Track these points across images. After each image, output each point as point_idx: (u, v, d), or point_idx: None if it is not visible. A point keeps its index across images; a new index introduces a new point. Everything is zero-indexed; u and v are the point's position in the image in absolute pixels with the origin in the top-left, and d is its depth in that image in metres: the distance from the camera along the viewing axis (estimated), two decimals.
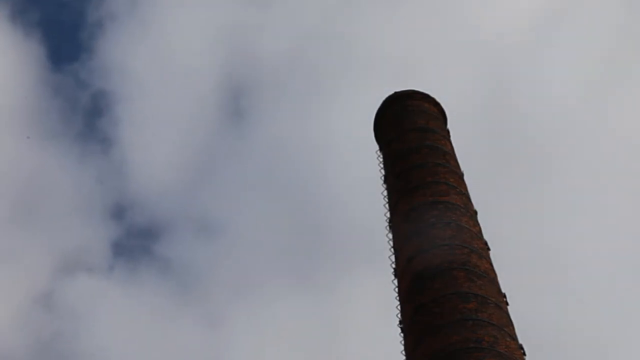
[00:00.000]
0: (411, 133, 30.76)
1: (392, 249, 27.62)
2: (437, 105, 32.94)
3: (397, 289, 26.23)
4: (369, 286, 45.99)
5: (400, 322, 25.04)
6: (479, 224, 27.36)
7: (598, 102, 57.89)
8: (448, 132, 32.27)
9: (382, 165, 31.35)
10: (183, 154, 57.54)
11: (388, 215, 29.12)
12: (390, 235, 28.14)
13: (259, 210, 55.28)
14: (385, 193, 30.13)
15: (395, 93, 33.09)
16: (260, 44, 60.60)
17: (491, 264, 25.67)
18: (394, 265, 27.12)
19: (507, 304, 24.47)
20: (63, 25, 64.74)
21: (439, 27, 59.10)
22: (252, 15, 61.38)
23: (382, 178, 30.77)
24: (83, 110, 61.49)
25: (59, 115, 60.33)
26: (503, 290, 24.92)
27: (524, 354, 22.70)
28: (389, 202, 29.42)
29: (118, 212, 58.61)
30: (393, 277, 26.85)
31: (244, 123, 60.03)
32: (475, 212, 28.03)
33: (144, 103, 59.15)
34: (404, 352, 24.08)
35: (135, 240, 59.25)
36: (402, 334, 24.66)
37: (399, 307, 25.49)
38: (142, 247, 59.71)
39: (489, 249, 26.49)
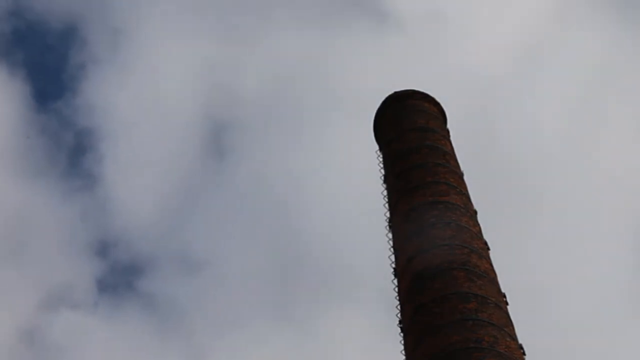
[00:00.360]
0: (411, 133, 30.75)
1: (392, 249, 27.61)
2: (437, 105, 32.93)
3: (397, 289, 26.22)
4: (353, 321, 46.88)
5: (400, 322, 25.04)
6: (479, 224, 27.36)
7: (581, 135, 58.52)
8: (448, 132, 32.27)
9: (382, 165, 31.36)
10: (166, 191, 58.71)
11: (388, 215, 29.11)
12: (390, 235, 28.14)
13: (242, 246, 56.49)
14: (385, 193, 30.13)
15: (395, 93, 33.09)
16: (241, 81, 61.95)
17: (491, 264, 25.66)
18: (394, 265, 27.12)
19: (507, 304, 24.47)
20: (47, 66, 66.10)
21: (423, 60, 59.58)
22: (232, 52, 62.52)
23: (382, 178, 30.77)
24: (67, 148, 62.93)
25: (43, 152, 61.47)
26: (503, 290, 24.92)
27: (524, 354, 22.70)
28: (389, 202, 29.41)
29: (102, 248, 59.72)
30: (393, 277, 26.85)
31: (225, 159, 61.26)
32: (475, 212, 28.02)
33: (127, 140, 60.40)
34: (404, 352, 24.07)
35: (119, 276, 60.21)
36: (402, 334, 24.65)
37: (399, 307, 25.48)
38: (126, 283, 60.58)
39: (489, 249, 26.49)
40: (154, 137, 59.99)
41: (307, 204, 55.25)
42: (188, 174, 59.78)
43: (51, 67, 66.06)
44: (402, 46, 61.47)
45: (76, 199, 60.48)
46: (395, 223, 27.91)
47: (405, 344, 24.10)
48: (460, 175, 29.38)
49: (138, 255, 57.85)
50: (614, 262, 51.09)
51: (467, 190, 28.80)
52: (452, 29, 61.75)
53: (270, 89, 60.78)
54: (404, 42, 61.62)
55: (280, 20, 62.86)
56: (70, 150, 63.12)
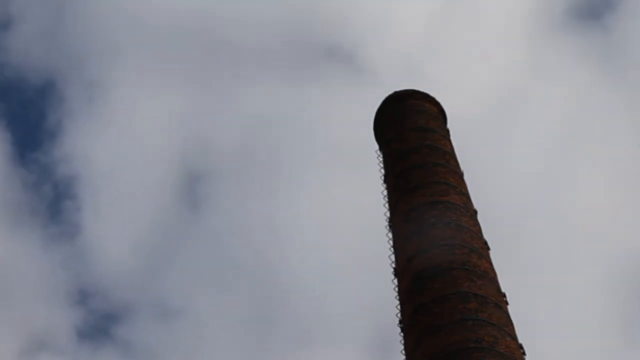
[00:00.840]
0: (411, 133, 30.75)
1: (392, 249, 27.61)
2: (437, 105, 32.93)
3: (397, 289, 26.22)
4: None
5: (400, 322, 25.03)
6: (479, 224, 27.35)
7: (553, 178, 59.09)
8: (448, 131, 32.27)
9: (382, 165, 31.36)
10: (143, 239, 60.10)
11: (388, 215, 29.11)
12: (390, 235, 28.14)
13: (218, 294, 57.66)
14: (385, 193, 30.13)
15: (395, 92, 33.09)
16: (216, 132, 63.32)
17: (491, 264, 25.66)
18: (394, 265, 27.12)
19: (507, 304, 24.46)
20: (27, 118, 67.56)
21: None
22: (207, 103, 63.72)
23: (382, 178, 30.77)
24: (47, 197, 64.38)
25: (23, 202, 62.67)
26: (503, 290, 24.92)
27: (524, 353, 22.69)
28: (389, 202, 29.41)
29: (81, 296, 60.83)
30: (393, 277, 26.85)
31: (201, 207, 62.64)
32: (475, 212, 28.02)
33: (106, 190, 62.09)
34: (404, 352, 24.07)
35: (98, 324, 61.12)
36: (402, 334, 24.65)
37: (399, 307, 25.48)
38: (104, 331, 61.30)
39: (489, 248, 26.48)
40: (131, 187, 61.72)
41: (284, 251, 56.54)
42: (165, 222, 61.41)
43: (31, 120, 67.84)
44: (378, 96, 62.35)
45: (55, 247, 62.03)
46: (395, 223, 27.91)
47: (405, 344, 24.10)
48: (460, 175, 29.38)
49: (116, 303, 59.29)
50: (585, 307, 51.81)
51: (467, 190, 28.80)
52: (427, 80, 62.32)
53: (245, 139, 62.26)
54: (379, 92, 62.51)
55: (256, 74, 64.24)
56: (49, 200, 64.74)
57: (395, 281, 26.60)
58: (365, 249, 50.88)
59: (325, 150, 58.05)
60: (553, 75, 63.23)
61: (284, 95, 62.50)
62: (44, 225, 62.95)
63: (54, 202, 64.51)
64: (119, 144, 62.43)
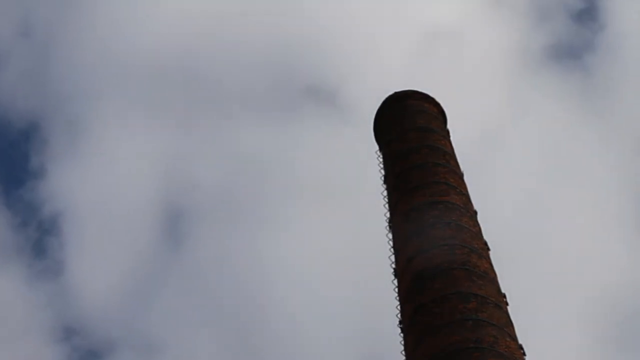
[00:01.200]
0: (411, 133, 30.75)
1: (392, 249, 27.61)
2: (437, 105, 32.94)
3: (397, 289, 26.21)
4: None
5: (400, 322, 25.03)
6: (479, 224, 27.35)
7: (535, 215, 59.46)
8: (448, 132, 32.27)
9: (382, 165, 31.36)
10: (127, 276, 60.93)
11: (388, 215, 29.12)
12: (390, 235, 28.14)
13: (202, 330, 58.17)
14: (385, 193, 30.13)
15: (395, 93, 33.11)
16: (199, 170, 64.32)
17: (491, 264, 25.65)
18: (394, 265, 27.12)
19: (507, 304, 24.45)
20: (10, 158, 68.56)
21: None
22: (189, 142, 64.80)
23: (382, 178, 30.77)
24: (31, 235, 65.56)
25: (7, 240, 63.28)
26: (503, 291, 24.91)
27: (524, 354, 22.69)
28: (389, 202, 29.41)
29: (65, 334, 61.47)
30: (393, 277, 26.84)
31: (184, 244, 63.60)
32: (475, 212, 28.01)
33: (89, 227, 63.22)
34: (404, 352, 24.07)
35: None
36: (402, 334, 24.65)
37: (399, 307, 25.48)
38: None
39: (489, 249, 26.47)
40: (114, 225, 62.75)
41: (268, 288, 56.94)
42: (148, 259, 62.38)
43: (15, 160, 68.78)
44: (360, 134, 63.07)
45: (40, 284, 62.87)
46: (395, 223, 27.90)
47: (405, 344, 24.09)
48: (460, 175, 29.38)
49: (99, 340, 59.88)
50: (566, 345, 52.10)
51: (467, 190, 28.80)
52: None
53: (228, 178, 63.19)
54: (361, 130, 63.27)
55: (238, 113, 65.20)
56: (34, 238, 65.50)
57: (395, 281, 26.60)
58: (346, 287, 51.46)
59: (308, 188, 58.77)
60: (532, 115, 63.74)
61: (266, 134, 63.46)
62: (29, 263, 64.01)
63: (38, 241, 65.68)
64: (103, 183, 63.94)
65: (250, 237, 58.71)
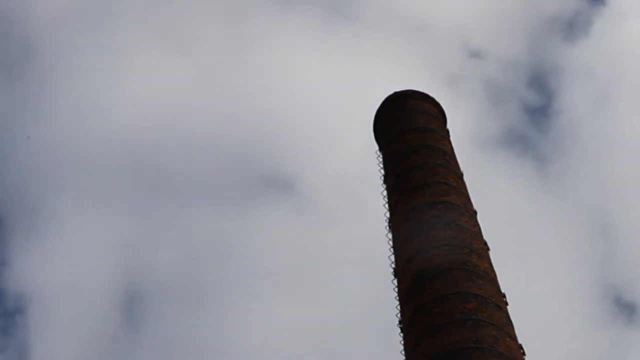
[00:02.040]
0: (411, 133, 30.76)
1: (392, 249, 27.62)
2: (437, 105, 32.94)
3: (397, 289, 26.22)
4: None
5: (400, 322, 25.03)
6: (479, 224, 27.35)
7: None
8: (448, 132, 32.28)
9: (382, 165, 31.37)
10: (87, 358, 61.34)
11: (388, 215, 29.12)
12: (390, 235, 28.15)
13: None
14: (385, 193, 30.13)
15: (395, 93, 33.12)
16: (156, 255, 65.38)
17: (491, 264, 25.65)
18: (394, 265, 27.12)
19: (507, 304, 24.46)
20: None
21: (334, 235, 61.59)
22: (146, 229, 66.19)
23: (382, 178, 30.78)
24: None
25: None
26: (503, 290, 24.92)
27: (524, 354, 22.69)
28: (389, 202, 29.41)
29: None
30: (393, 277, 26.85)
31: (140, 329, 64.15)
32: (475, 212, 28.02)
33: (49, 317, 64.45)
34: (403, 352, 24.07)
35: None
36: (402, 334, 24.65)
37: (399, 307, 25.48)
38: None
39: (489, 249, 26.48)
40: (75, 309, 63.73)
41: None
42: (105, 342, 63.09)
43: None
44: (317, 222, 63.69)
45: None
46: (395, 223, 27.91)
47: (405, 344, 24.09)
48: (460, 175, 29.39)
49: None
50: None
51: (467, 190, 28.80)
52: (366, 205, 63.32)
53: (185, 264, 64.10)
54: (319, 216, 63.76)
55: (196, 201, 66.28)
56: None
57: (395, 281, 26.60)
58: None
59: (264, 275, 59.55)
60: (488, 199, 64.01)
61: (225, 220, 64.37)
62: None
63: (3, 327, 66.61)
64: (63, 270, 65.13)
65: (204, 321, 59.80)
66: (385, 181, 30.52)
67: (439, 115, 32.64)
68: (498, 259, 26.49)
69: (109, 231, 64.97)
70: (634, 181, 62.48)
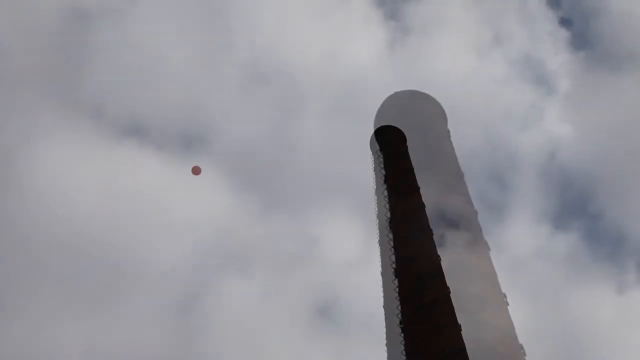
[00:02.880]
0: (411, 133, 30.78)
1: (392, 249, 27.63)
2: (437, 105, 32.98)
3: (397, 289, 26.23)
4: None
5: (400, 322, 25.05)
6: (479, 224, 27.39)
7: None
8: (448, 132, 32.31)
9: (382, 165, 31.37)
10: None
11: (388, 215, 29.13)
12: (391, 236, 28.16)
13: None
14: (386, 193, 30.15)
15: (396, 93, 33.15)
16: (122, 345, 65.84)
17: (491, 264, 25.68)
18: (394, 266, 27.13)
19: (507, 304, 24.48)
20: None
21: None
22: (112, 322, 66.85)
23: (382, 178, 30.79)
24: None
25: None
26: (503, 291, 24.94)
27: (524, 353, 22.72)
28: (389, 202, 29.44)
29: None
30: (393, 277, 26.86)
31: None
32: (475, 212, 28.04)
33: None
34: (404, 352, 24.09)
35: None
36: (402, 334, 24.67)
37: (399, 307, 25.50)
38: None
39: (489, 249, 26.51)
40: None
41: None
42: None
43: None
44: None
45: None
46: (395, 223, 27.94)
47: (405, 344, 24.12)
48: (461, 175, 29.42)
49: None
50: None
51: (467, 190, 28.82)
52: None
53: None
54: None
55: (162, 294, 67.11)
56: None
57: (396, 281, 26.62)
58: None
59: None
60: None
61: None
62: None
63: None
64: None
65: None
66: (385, 181, 30.54)
67: (440, 115, 32.68)
68: (498, 258, 26.57)
69: (73, 327, 65.36)
70: None
